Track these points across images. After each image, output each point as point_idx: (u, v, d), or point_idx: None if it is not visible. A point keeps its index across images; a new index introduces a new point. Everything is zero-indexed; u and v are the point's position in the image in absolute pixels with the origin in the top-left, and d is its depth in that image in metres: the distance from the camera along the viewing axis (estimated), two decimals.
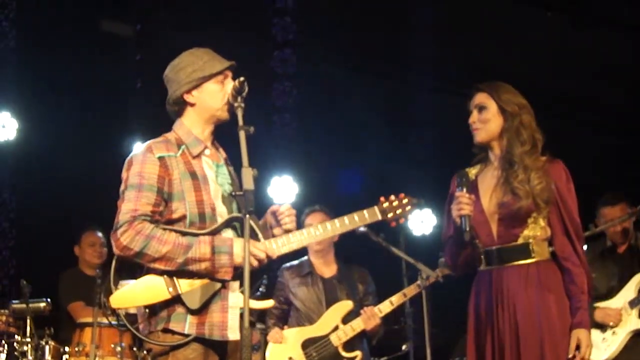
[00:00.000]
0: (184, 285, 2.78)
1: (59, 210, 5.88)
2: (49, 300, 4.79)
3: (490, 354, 3.03)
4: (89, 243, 5.50)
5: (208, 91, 2.93)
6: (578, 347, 2.96)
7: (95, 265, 5.33)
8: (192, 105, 2.95)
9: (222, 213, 2.88)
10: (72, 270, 5.50)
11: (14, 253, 5.84)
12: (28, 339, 4.63)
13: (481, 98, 3.16)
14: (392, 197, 3.12)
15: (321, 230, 2.99)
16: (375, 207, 3.07)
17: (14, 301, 4.75)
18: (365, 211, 3.05)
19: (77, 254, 5.55)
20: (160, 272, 2.77)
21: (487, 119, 3.13)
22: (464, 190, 3.08)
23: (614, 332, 4.72)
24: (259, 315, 4.67)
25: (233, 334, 2.78)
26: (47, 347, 4.73)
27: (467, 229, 3.03)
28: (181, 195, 2.82)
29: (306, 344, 4.66)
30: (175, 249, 2.74)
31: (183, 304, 2.76)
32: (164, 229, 2.78)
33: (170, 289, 2.77)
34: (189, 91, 2.93)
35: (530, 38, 6.19)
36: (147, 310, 2.82)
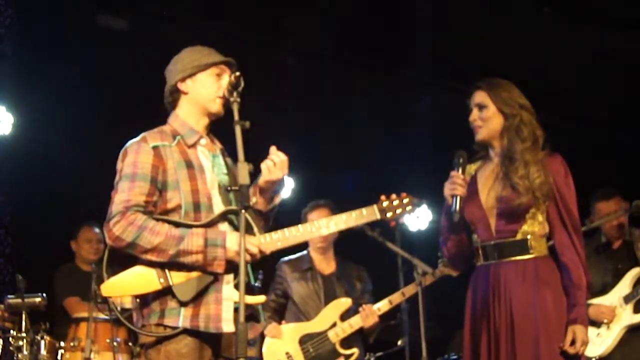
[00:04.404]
0: (176, 277, 2.78)
1: (55, 205, 5.87)
2: (44, 295, 4.79)
3: (486, 349, 3.04)
4: (85, 239, 5.50)
5: (201, 82, 2.96)
6: (573, 343, 2.97)
7: (92, 261, 5.32)
8: (185, 94, 2.97)
9: (218, 203, 2.88)
10: (68, 265, 5.50)
11: (9, 248, 5.83)
12: (23, 334, 4.63)
13: (481, 97, 3.17)
14: (393, 196, 3.08)
15: (317, 228, 2.99)
16: (375, 206, 3.05)
17: (9, 296, 4.75)
18: (364, 209, 3.03)
19: (73, 249, 5.55)
20: (152, 263, 2.77)
21: (487, 117, 3.14)
22: (460, 170, 3.09)
23: (608, 327, 4.73)
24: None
25: (227, 327, 2.78)
26: (42, 342, 4.73)
27: (457, 209, 3.04)
28: (176, 185, 2.83)
29: (303, 340, 4.67)
30: (167, 240, 2.74)
31: (174, 296, 2.76)
32: (157, 220, 2.78)
33: (162, 280, 2.77)
34: (183, 80, 2.96)
35: (529, 34, 6.18)
36: (138, 300, 2.83)
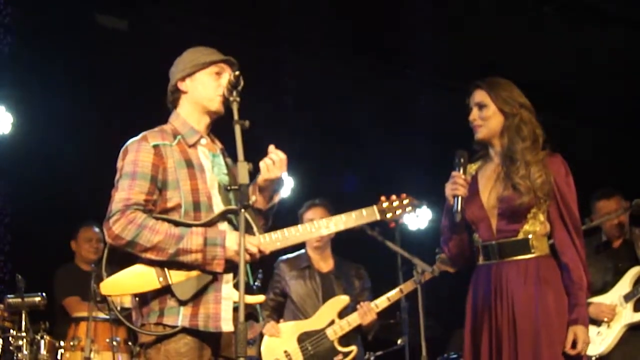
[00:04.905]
0: (175, 276, 2.78)
1: (54, 205, 5.86)
2: (44, 294, 4.79)
3: (487, 349, 3.04)
4: (85, 238, 5.50)
5: (200, 80, 2.97)
6: (575, 343, 2.97)
7: (91, 260, 5.32)
8: (185, 93, 2.98)
9: (218, 203, 2.88)
10: (68, 265, 5.50)
11: (9, 247, 5.83)
12: (23, 334, 4.63)
13: (480, 96, 3.16)
14: (394, 197, 3.08)
15: (316, 228, 2.98)
16: (375, 207, 3.05)
17: (9, 295, 4.75)
18: (363, 210, 3.03)
19: (73, 248, 5.55)
20: (152, 262, 2.77)
21: (487, 116, 3.14)
22: (461, 170, 3.09)
23: (608, 326, 4.73)
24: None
25: (227, 326, 2.78)
26: (42, 342, 4.73)
27: (459, 209, 3.04)
28: (176, 184, 2.83)
29: (302, 338, 4.67)
30: (166, 239, 2.74)
31: (174, 295, 2.76)
32: (157, 219, 2.78)
33: (161, 279, 2.77)
34: (182, 79, 2.98)
35: (529, 34, 6.18)
36: (137, 299, 2.83)
